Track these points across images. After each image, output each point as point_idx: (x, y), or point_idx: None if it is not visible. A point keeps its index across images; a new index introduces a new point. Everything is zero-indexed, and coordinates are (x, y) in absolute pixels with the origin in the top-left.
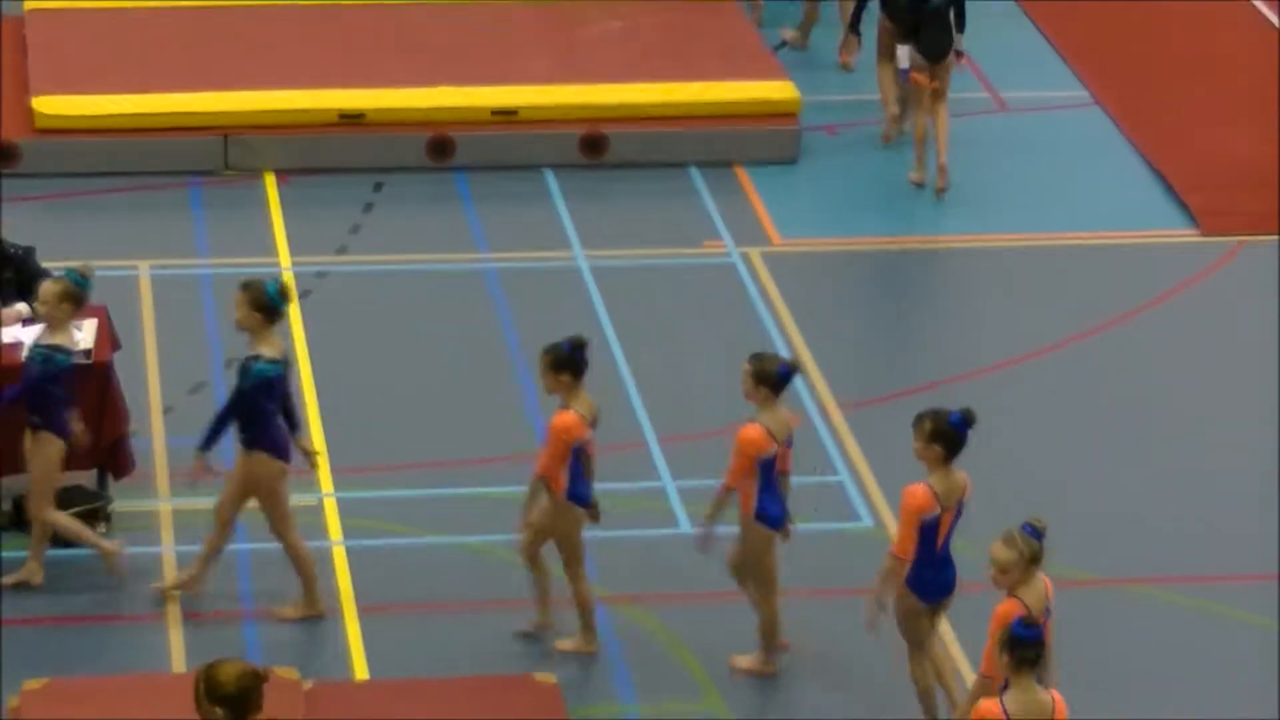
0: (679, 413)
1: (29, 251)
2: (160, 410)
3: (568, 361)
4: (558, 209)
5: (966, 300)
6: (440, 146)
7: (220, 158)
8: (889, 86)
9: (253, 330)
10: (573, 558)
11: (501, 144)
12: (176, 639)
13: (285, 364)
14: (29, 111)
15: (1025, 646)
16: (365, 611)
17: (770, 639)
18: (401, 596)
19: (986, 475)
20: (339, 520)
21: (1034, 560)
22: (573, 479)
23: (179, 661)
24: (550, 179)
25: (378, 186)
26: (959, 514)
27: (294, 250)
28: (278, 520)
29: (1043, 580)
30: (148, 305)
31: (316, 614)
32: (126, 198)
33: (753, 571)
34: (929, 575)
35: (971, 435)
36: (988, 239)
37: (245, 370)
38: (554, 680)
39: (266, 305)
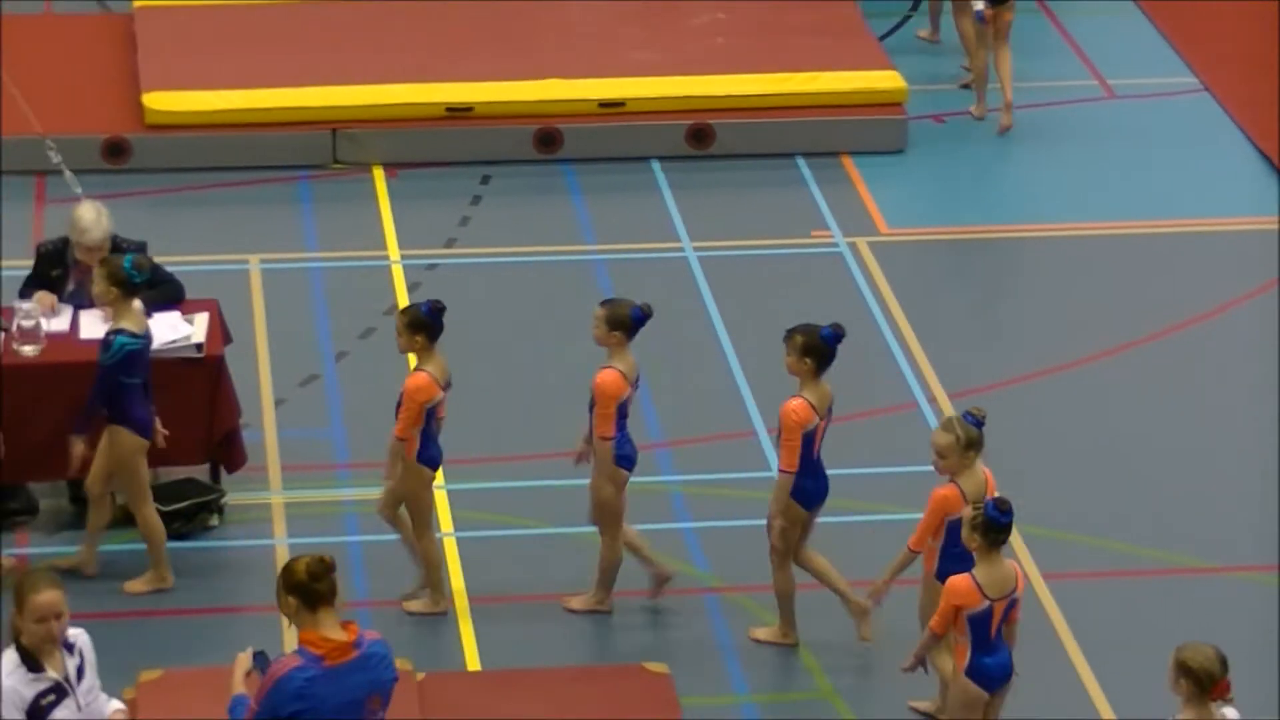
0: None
1: (141, 246)
2: (272, 403)
3: (424, 324)
4: (665, 200)
5: (1073, 288)
6: (547, 139)
7: (329, 152)
8: (970, 35)
9: (112, 304)
10: (421, 519)
11: (608, 136)
12: (290, 631)
13: (147, 339)
14: (139, 107)
15: (998, 530)
16: (477, 602)
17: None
18: (513, 588)
19: (1098, 459)
20: (450, 512)
21: (970, 446)
22: (423, 441)
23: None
24: (657, 170)
25: (485, 179)
26: (829, 422)
27: (403, 243)
28: (134, 496)
29: (982, 471)
30: (258, 299)
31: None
32: (236, 192)
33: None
34: (809, 485)
35: (1081, 419)
36: (1095, 227)
37: (106, 344)
38: (666, 669)
39: (124, 280)
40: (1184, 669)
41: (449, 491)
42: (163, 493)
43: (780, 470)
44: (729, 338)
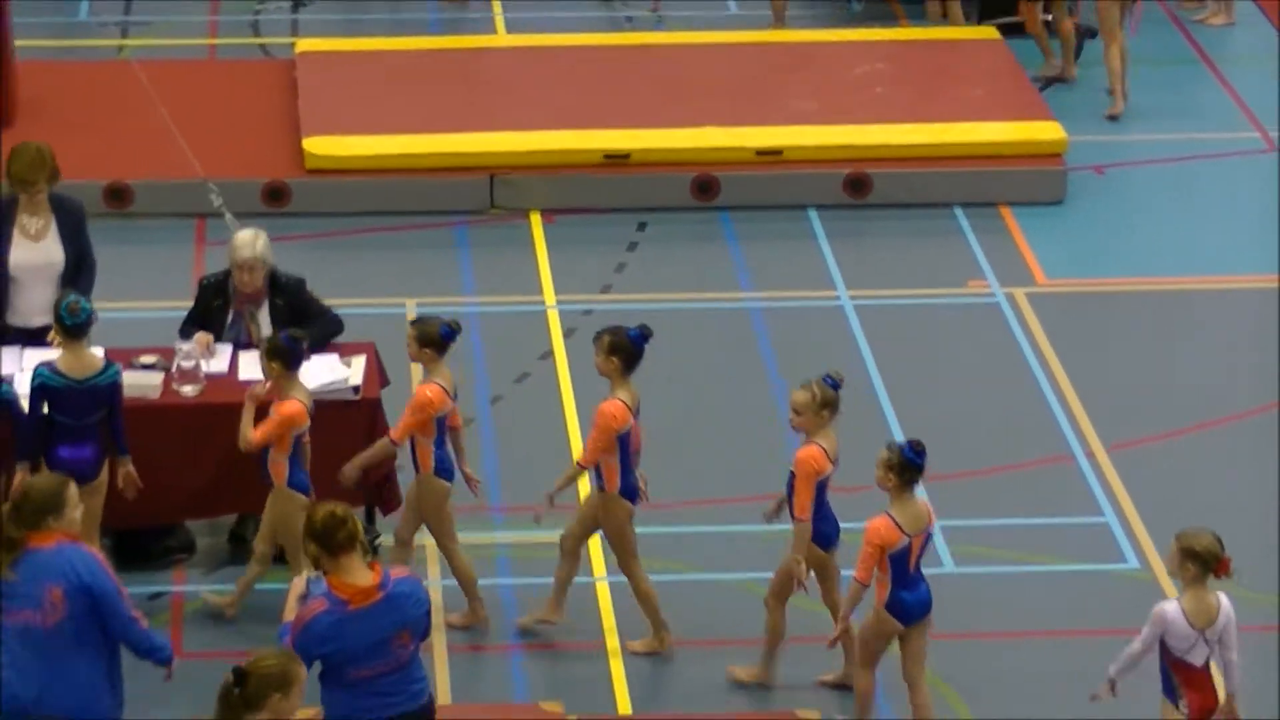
0: (942, 452)
1: (300, 283)
2: None
3: (434, 341)
4: (821, 248)
5: (1233, 340)
6: (705, 186)
7: (487, 197)
8: (1070, 37)
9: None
10: (446, 530)
11: (766, 184)
12: (442, 672)
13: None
14: (299, 152)
15: (913, 470)
16: (630, 648)
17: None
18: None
19: (1257, 515)
20: (602, 555)
21: (825, 406)
22: (292, 468)
23: (444, 693)
24: (814, 218)
25: (642, 225)
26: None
27: (559, 289)
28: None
29: (833, 434)
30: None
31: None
32: (394, 237)
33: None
34: (632, 481)
35: (1240, 474)
36: (1255, 280)
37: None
38: (819, 716)
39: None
40: (1189, 553)
41: (602, 536)
42: None
43: (579, 464)
44: (884, 387)
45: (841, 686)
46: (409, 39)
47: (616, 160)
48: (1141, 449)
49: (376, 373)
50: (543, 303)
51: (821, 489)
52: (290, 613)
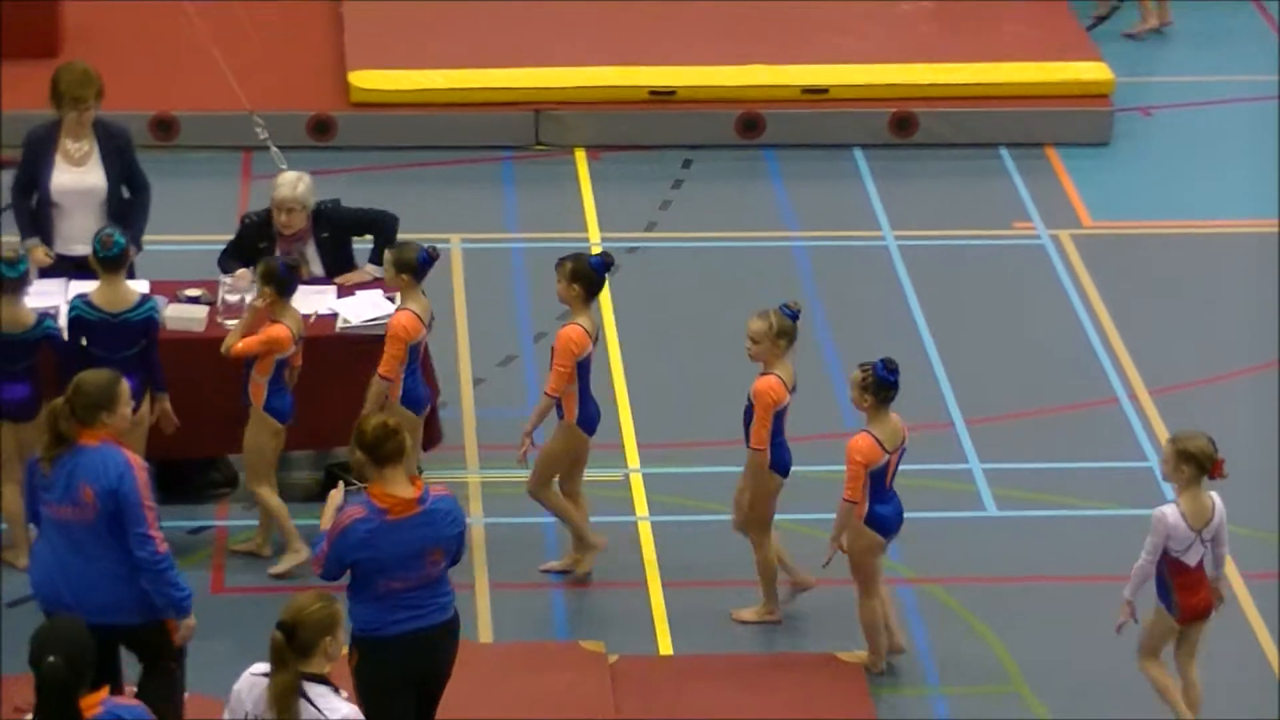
0: (986, 394)
1: (335, 206)
2: (470, 383)
3: (411, 266)
4: (866, 188)
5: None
6: (750, 124)
7: (532, 133)
8: None
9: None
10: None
11: (811, 122)
12: (484, 610)
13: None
14: (345, 85)
15: (888, 388)
16: (670, 585)
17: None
18: (705, 572)
19: None
20: (645, 495)
21: (781, 335)
22: (271, 392)
23: (485, 631)
24: (859, 158)
25: (687, 163)
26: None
27: (604, 226)
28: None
29: (790, 363)
30: (459, 278)
31: None
32: (439, 171)
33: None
34: (590, 410)
35: None
36: None
37: None
38: (861, 658)
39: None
40: (1184, 455)
41: (644, 475)
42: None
43: (546, 392)
44: (928, 327)
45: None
46: None
47: (662, 96)
48: (1185, 393)
49: None
50: (587, 239)
51: (779, 418)
52: (327, 522)
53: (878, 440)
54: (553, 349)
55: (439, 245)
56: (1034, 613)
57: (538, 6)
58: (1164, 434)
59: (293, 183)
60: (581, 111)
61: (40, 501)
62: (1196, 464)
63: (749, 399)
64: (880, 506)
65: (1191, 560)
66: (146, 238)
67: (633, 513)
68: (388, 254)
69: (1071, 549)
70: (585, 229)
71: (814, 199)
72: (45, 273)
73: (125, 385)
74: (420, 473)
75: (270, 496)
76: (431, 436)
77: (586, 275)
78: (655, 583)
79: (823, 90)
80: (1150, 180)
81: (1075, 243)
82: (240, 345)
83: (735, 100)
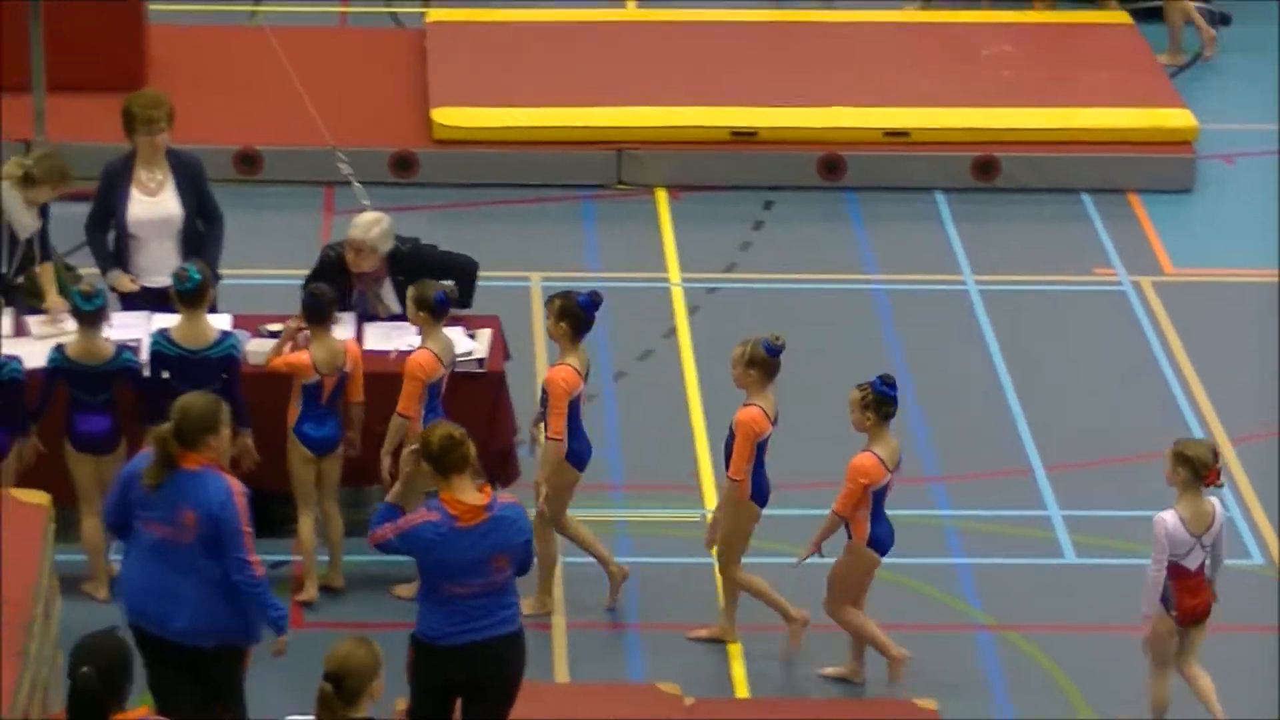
0: (1066, 441)
1: (414, 248)
2: None
3: (431, 306)
4: (947, 231)
5: None
6: (831, 165)
7: (614, 172)
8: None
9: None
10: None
11: (892, 164)
12: (560, 650)
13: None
14: (428, 122)
15: (889, 403)
16: (746, 630)
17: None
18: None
19: None
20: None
21: (752, 364)
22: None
23: (561, 670)
24: (940, 201)
25: (768, 204)
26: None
27: (684, 266)
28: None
29: (771, 394)
30: (538, 316)
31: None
32: (520, 209)
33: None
34: (578, 447)
35: None
36: None
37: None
38: (934, 706)
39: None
40: (1180, 457)
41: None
42: None
43: (549, 438)
44: (1007, 372)
45: (844, 680)
46: (539, 11)
47: (744, 137)
48: (1267, 443)
49: (501, 347)
50: (667, 279)
51: (760, 449)
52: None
53: (880, 460)
54: (543, 392)
55: (518, 284)
56: (1112, 660)
57: (621, 45)
58: (1245, 483)
59: (367, 225)
60: (663, 151)
61: (135, 517)
62: (1191, 468)
63: (730, 429)
64: (878, 527)
65: (1192, 564)
66: (227, 270)
67: (709, 553)
68: (410, 290)
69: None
70: (665, 268)
71: (894, 242)
72: (128, 304)
73: (226, 408)
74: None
75: (301, 525)
76: (509, 473)
77: (574, 313)
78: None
79: (904, 133)
80: (1232, 228)
81: (1156, 289)
82: (272, 362)
83: (817, 142)
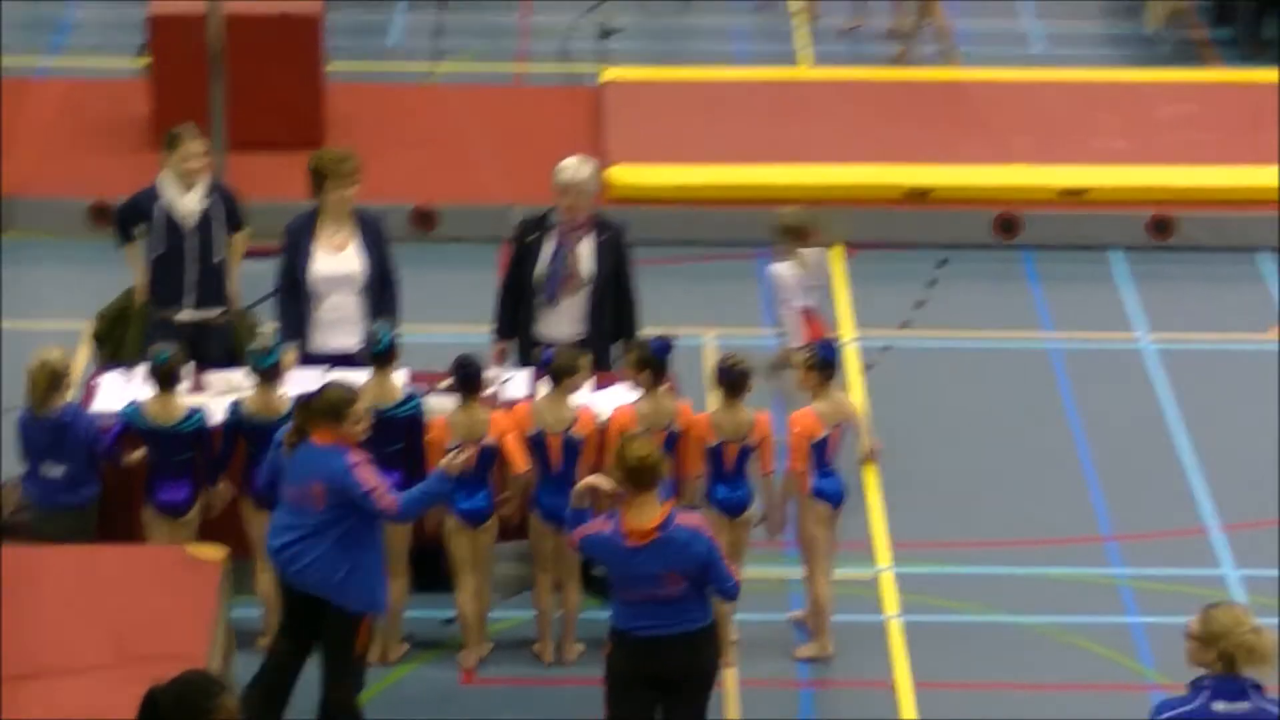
0: (1241, 499)
1: (623, 228)
2: None
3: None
4: (1123, 290)
5: None
6: (1007, 224)
7: None
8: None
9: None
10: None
11: (1069, 223)
12: (733, 704)
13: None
14: (604, 180)
15: (829, 366)
16: (922, 687)
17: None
18: (959, 674)
19: None
20: (896, 594)
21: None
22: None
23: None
24: (1117, 259)
25: (942, 262)
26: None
27: (859, 323)
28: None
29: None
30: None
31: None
32: (694, 267)
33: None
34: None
35: None
36: None
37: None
38: None
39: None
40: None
41: (895, 574)
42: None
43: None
44: (1185, 431)
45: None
46: (713, 70)
47: (918, 196)
48: None
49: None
50: (841, 338)
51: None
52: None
53: (819, 415)
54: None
55: (691, 341)
56: None
57: (793, 103)
58: None
59: (576, 166)
60: (838, 208)
61: (281, 481)
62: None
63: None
64: (824, 480)
65: None
66: (405, 327)
67: (882, 611)
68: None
69: None
70: (840, 326)
71: (1070, 300)
72: (306, 363)
73: (360, 404)
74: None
75: (460, 595)
76: None
77: (653, 361)
78: (905, 683)
79: (1081, 191)
80: None
81: None
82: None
83: (992, 200)
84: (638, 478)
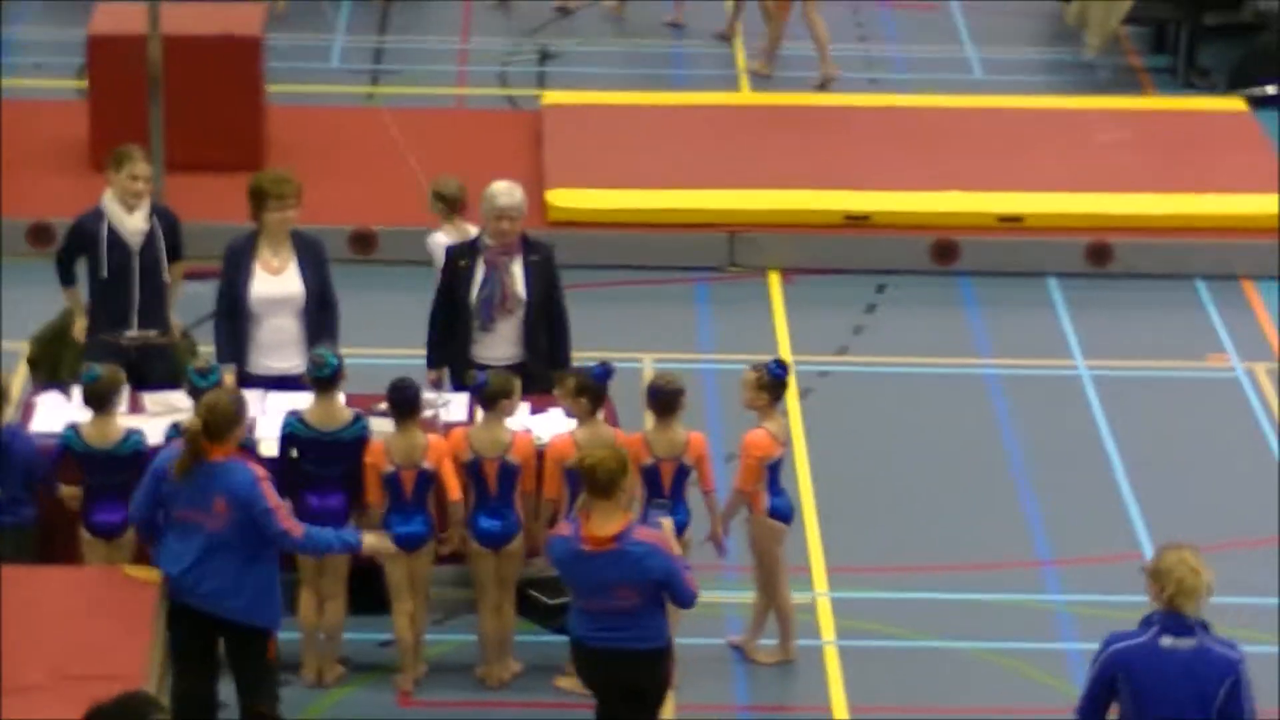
0: (1177, 526)
1: (552, 249)
2: None
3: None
4: (1060, 316)
5: None
6: (945, 250)
7: (726, 254)
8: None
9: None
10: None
11: (1007, 250)
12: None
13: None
14: (542, 203)
15: (780, 385)
16: (858, 711)
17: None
18: (895, 699)
19: None
20: (833, 619)
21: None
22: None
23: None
24: (1053, 286)
25: (880, 288)
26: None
27: (796, 348)
28: None
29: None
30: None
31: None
32: (632, 291)
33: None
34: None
35: None
36: None
37: None
38: None
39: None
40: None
41: (831, 598)
42: (547, 585)
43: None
44: (1119, 458)
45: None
46: (652, 94)
47: (857, 221)
48: None
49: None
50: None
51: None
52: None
53: (772, 435)
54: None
55: (629, 365)
56: None
57: (733, 129)
58: None
59: (509, 189)
60: (776, 234)
61: (167, 509)
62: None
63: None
64: (776, 499)
65: None
66: (344, 350)
67: (819, 636)
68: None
69: (1266, 686)
70: (777, 351)
71: (1008, 327)
72: (244, 383)
73: (246, 404)
74: None
75: (397, 619)
76: None
77: (592, 388)
78: (841, 709)
79: (1018, 218)
80: None
81: (1271, 377)
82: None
83: (930, 226)
84: (598, 486)
